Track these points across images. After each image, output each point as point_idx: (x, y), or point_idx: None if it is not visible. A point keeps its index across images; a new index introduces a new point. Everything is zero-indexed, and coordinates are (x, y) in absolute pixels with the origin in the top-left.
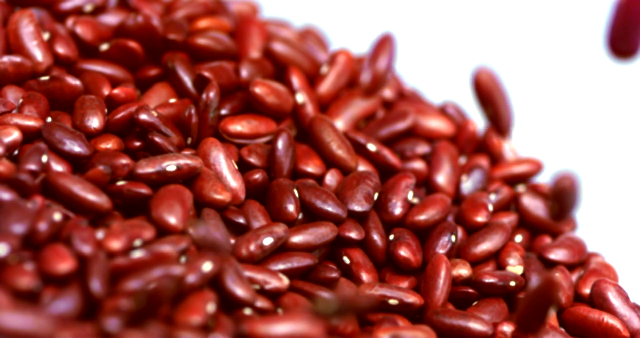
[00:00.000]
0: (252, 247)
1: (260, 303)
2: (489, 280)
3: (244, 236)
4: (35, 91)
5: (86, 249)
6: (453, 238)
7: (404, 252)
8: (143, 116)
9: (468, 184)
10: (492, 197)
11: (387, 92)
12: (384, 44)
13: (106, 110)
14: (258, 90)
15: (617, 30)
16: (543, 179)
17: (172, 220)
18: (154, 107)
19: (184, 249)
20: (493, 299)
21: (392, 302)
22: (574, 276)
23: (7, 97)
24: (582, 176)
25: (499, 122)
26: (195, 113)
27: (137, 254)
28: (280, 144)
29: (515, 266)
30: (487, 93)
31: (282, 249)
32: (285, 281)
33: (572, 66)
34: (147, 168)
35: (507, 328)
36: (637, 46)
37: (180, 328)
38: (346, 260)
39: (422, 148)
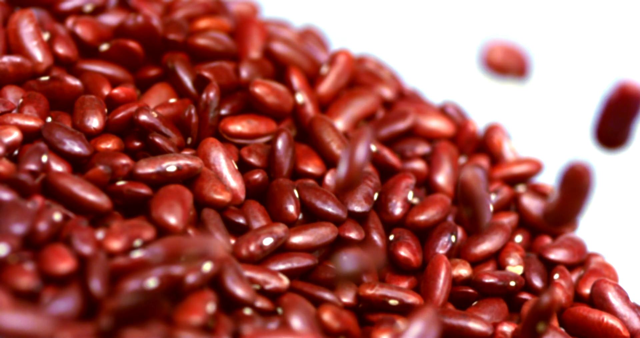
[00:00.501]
0: (252, 247)
1: (260, 303)
2: (489, 280)
3: (244, 237)
4: (35, 91)
5: (86, 249)
6: (453, 238)
7: (404, 252)
8: (143, 117)
9: None
10: (492, 197)
11: (387, 92)
12: (360, 140)
13: (106, 110)
14: (258, 90)
15: (607, 123)
16: (543, 179)
17: (172, 220)
18: (154, 107)
19: None
20: (493, 299)
21: (392, 302)
22: (574, 276)
23: (7, 97)
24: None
25: (476, 222)
26: (195, 113)
27: (137, 254)
28: (280, 144)
29: (515, 266)
30: (470, 195)
31: (282, 249)
32: (285, 281)
33: (572, 66)
34: (147, 168)
35: (507, 328)
36: (626, 138)
37: (180, 328)
38: None
39: (422, 148)
